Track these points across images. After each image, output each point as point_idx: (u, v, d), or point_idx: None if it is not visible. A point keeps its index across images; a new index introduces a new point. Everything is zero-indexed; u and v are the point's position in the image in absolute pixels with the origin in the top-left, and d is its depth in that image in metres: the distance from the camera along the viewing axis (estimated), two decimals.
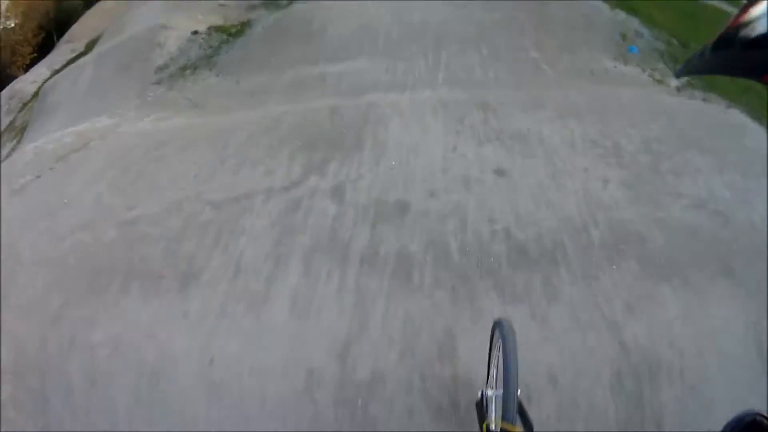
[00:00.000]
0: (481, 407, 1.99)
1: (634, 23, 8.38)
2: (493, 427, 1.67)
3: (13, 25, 18.78)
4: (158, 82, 9.91)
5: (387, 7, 9.12)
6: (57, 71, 15.20)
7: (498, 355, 1.91)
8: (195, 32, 11.42)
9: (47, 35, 19.97)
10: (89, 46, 14.86)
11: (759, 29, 0.58)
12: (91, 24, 18.72)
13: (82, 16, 19.27)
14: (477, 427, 1.97)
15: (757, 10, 0.59)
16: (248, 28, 11.47)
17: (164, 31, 11.44)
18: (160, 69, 10.53)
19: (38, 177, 6.29)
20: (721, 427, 0.90)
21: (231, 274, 4.09)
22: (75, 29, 19.15)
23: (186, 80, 9.51)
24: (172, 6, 13.61)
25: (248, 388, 3.32)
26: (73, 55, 16.51)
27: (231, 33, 11.33)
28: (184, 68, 10.15)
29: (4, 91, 15.04)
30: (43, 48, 20.06)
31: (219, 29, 11.60)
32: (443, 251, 4.04)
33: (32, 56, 18.81)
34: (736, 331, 3.28)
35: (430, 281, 3.77)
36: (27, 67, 18.71)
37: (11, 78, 17.10)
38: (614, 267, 3.77)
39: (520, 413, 1.51)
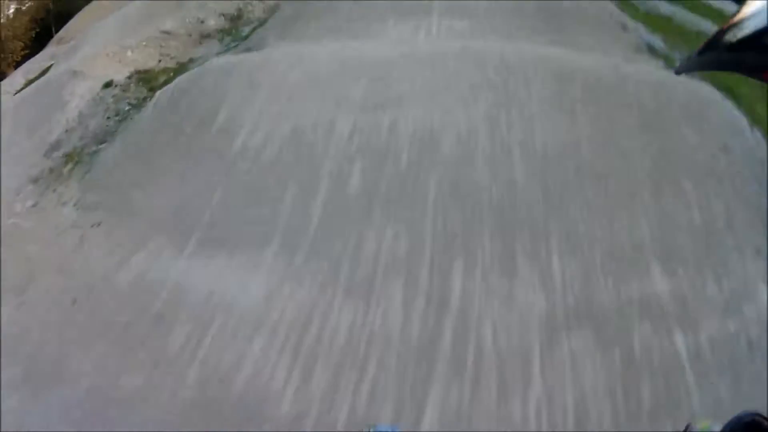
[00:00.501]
0: None
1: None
2: None
3: (10, 13, 16.76)
4: (35, 181, 7.09)
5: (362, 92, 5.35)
6: (30, 81, 12.99)
7: None
8: (108, 84, 8.23)
9: (45, 29, 17.76)
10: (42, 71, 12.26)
11: (745, 31, 0.55)
12: (87, 21, 16.35)
13: (79, 13, 17.00)
14: None
15: (744, 12, 0.56)
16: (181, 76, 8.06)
17: (73, 81, 8.36)
18: (50, 150, 7.65)
19: None
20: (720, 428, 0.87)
21: None
22: (69, 27, 17.12)
23: (57, 190, 6.64)
24: (126, 25, 10.45)
25: None
26: (48, 64, 14.14)
27: (157, 85, 8.01)
28: (69, 158, 7.20)
29: None
30: (42, 41, 18.05)
31: (143, 77, 8.35)
32: None
33: (24, 53, 16.77)
34: None
35: None
36: (17, 65, 16.81)
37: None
38: None
39: None
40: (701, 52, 0.62)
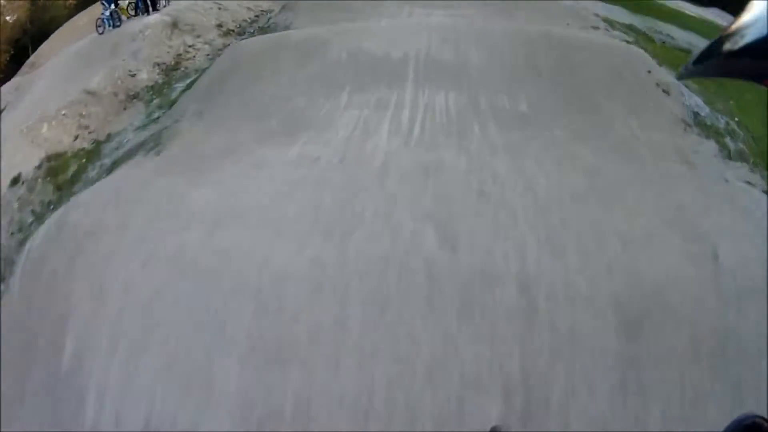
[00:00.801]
0: None
1: None
2: None
3: None
4: None
5: None
6: None
7: None
8: (15, 181, 7.00)
9: (23, 49, 16.86)
10: None
11: (746, 38, 0.55)
12: (59, 43, 15.25)
13: (52, 36, 16.06)
14: None
15: (744, 19, 0.56)
16: (93, 163, 6.73)
17: None
18: None
19: None
20: (720, 429, 0.83)
21: None
22: (41, 51, 16.18)
23: None
24: (60, 77, 9.10)
25: None
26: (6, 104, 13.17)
27: (64, 181, 6.76)
28: None
29: None
30: (20, 61, 17.32)
31: (53, 166, 7.04)
32: None
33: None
34: None
35: None
36: None
37: None
38: None
39: None
40: (700, 60, 0.61)
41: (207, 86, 6.94)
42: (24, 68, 15.48)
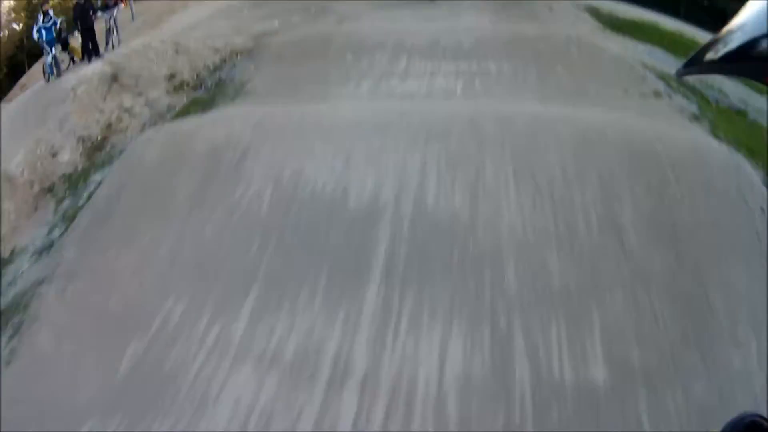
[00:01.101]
0: None
1: None
2: None
3: None
4: None
5: None
6: None
7: None
8: None
9: (19, 65, 16.09)
10: None
11: (746, 36, 0.56)
12: None
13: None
14: None
15: (743, 17, 0.58)
16: None
17: None
18: None
19: None
20: (719, 428, 0.81)
21: None
22: (32, 72, 15.52)
23: None
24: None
25: None
26: None
27: None
28: None
29: None
30: (17, 77, 16.85)
31: None
32: None
33: None
34: None
35: None
36: None
37: None
38: None
39: None
40: (699, 59, 0.62)
41: (95, 215, 5.31)
42: (15, 89, 14.68)
